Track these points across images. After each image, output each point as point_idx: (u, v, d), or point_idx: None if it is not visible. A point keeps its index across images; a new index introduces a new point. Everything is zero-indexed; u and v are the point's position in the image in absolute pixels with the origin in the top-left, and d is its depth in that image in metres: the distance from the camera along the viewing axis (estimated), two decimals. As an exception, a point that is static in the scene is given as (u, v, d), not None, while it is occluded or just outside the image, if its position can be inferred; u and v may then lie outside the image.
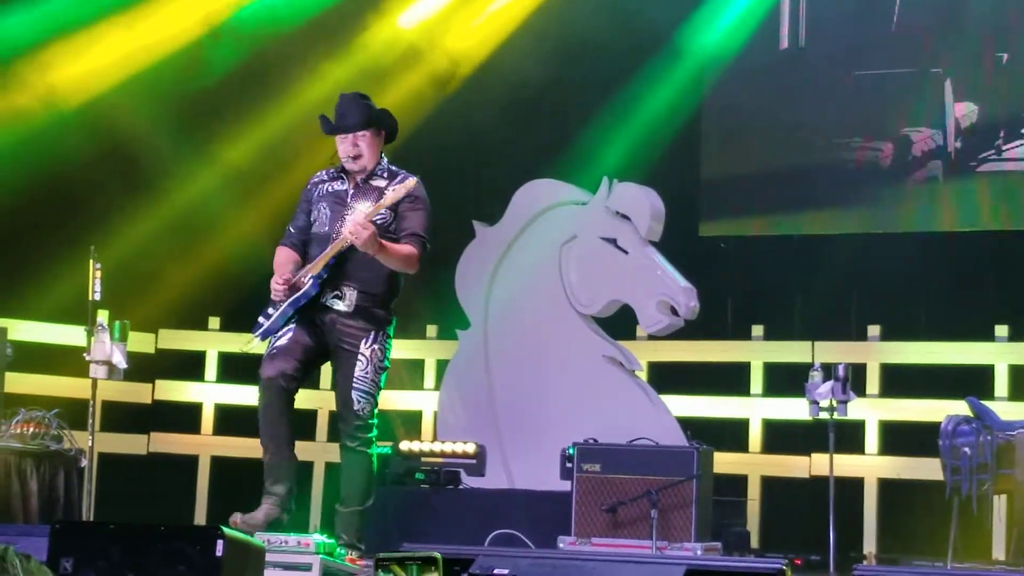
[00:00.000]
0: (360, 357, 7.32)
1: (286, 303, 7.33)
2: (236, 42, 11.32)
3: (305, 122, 7.87)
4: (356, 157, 7.40)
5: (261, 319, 7.44)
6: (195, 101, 11.27)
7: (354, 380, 7.30)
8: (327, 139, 7.58)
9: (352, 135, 7.41)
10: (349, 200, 7.43)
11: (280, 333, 7.40)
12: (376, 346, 7.35)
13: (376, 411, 7.37)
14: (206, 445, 11.26)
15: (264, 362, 7.41)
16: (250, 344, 7.52)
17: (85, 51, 10.79)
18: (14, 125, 10.09)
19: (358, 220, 7.15)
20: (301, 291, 7.30)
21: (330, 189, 7.50)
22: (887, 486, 10.02)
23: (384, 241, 7.26)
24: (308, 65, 11.37)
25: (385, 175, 7.46)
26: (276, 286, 7.34)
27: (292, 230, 7.60)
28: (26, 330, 10.39)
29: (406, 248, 7.37)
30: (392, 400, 11.13)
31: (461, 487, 9.77)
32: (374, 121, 7.46)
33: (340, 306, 7.32)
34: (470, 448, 9.77)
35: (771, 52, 11.42)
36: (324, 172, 7.62)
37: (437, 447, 9.80)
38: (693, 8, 11.32)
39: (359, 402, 7.31)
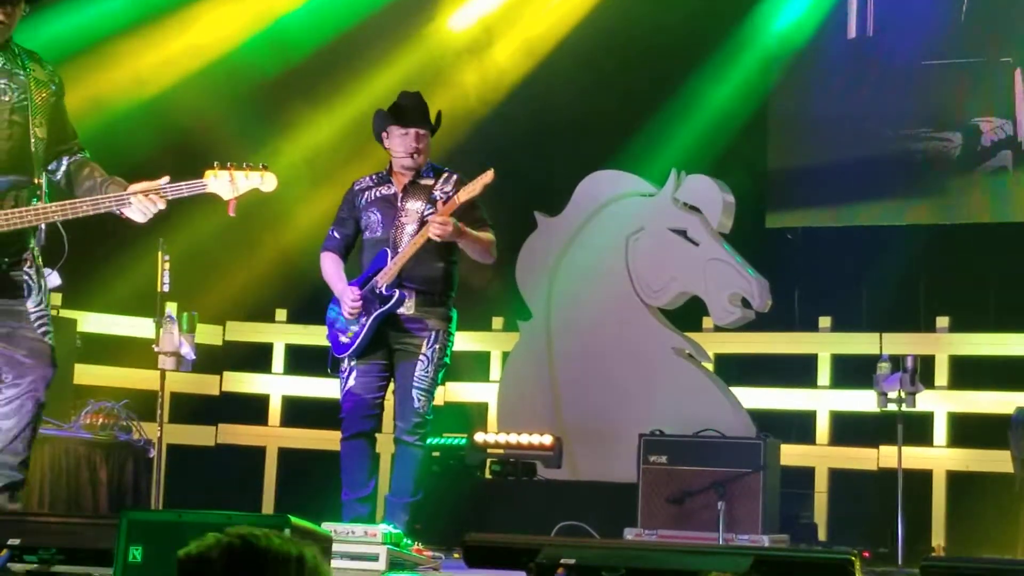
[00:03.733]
0: (422, 357, 7.38)
1: (371, 318, 7.36)
2: (303, 34, 11.39)
3: (367, 118, 7.90)
4: (417, 152, 7.44)
5: (343, 339, 7.48)
6: (263, 92, 11.33)
7: (415, 379, 7.38)
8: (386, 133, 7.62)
9: (415, 131, 7.44)
10: (400, 203, 7.46)
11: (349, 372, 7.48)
12: (437, 345, 7.42)
13: (432, 406, 7.45)
14: (273, 436, 11.31)
15: (351, 414, 7.50)
16: (342, 365, 7.58)
17: (158, 42, 10.88)
18: (83, 120, 10.13)
19: (436, 220, 7.20)
20: (388, 305, 7.33)
21: (378, 194, 7.54)
22: (956, 479, 9.93)
23: (466, 229, 7.31)
24: (368, 62, 11.42)
25: (431, 174, 7.52)
26: (352, 303, 7.38)
27: (337, 236, 7.64)
28: (95, 322, 10.46)
29: (487, 234, 7.43)
30: (458, 392, 11.15)
31: (536, 478, 9.76)
32: (436, 123, 7.54)
33: (402, 309, 7.37)
34: (547, 440, 9.75)
35: (839, 42, 11.36)
36: (368, 178, 7.67)
37: (513, 439, 9.78)
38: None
39: (419, 400, 7.39)
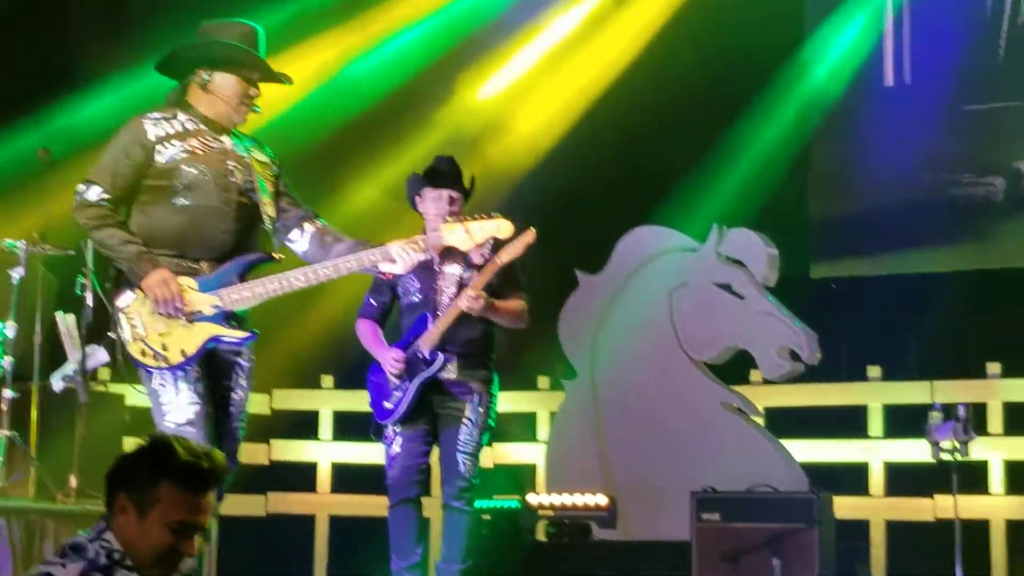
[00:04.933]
0: (465, 421, 7.38)
1: (415, 383, 7.35)
2: (339, 104, 11.47)
3: (402, 185, 7.96)
4: (450, 216, 7.44)
5: (387, 405, 7.47)
6: (304, 159, 11.38)
7: (459, 443, 7.37)
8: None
9: (448, 193, 7.46)
10: (437, 267, 7.46)
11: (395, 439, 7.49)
12: (481, 408, 7.41)
13: (478, 469, 7.43)
14: (323, 504, 11.28)
15: (397, 481, 7.49)
16: (386, 431, 7.57)
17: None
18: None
19: (468, 293, 7.20)
20: (431, 369, 7.32)
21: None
22: (1015, 527, 9.83)
23: (496, 303, 7.31)
24: (402, 130, 11.49)
25: None
26: (395, 363, 7.38)
27: (373, 303, 7.66)
28: (143, 396, 10.44)
29: (517, 304, 7.42)
30: (506, 453, 11.11)
31: (591, 539, 9.70)
32: (469, 187, 7.57)
33: (444, 373, 7.36)
34: (602, 500, 9.68)
35: (877, 89, 11.34)
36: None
37: (567, 500, 9.71)
38: (795, 48, 11.28)
39: (464, 464, 7.37)
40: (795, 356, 9.72)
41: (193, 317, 5.96)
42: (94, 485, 8.45)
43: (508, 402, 11.16)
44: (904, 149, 11.21)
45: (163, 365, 5.95)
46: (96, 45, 11.08)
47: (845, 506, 9.57)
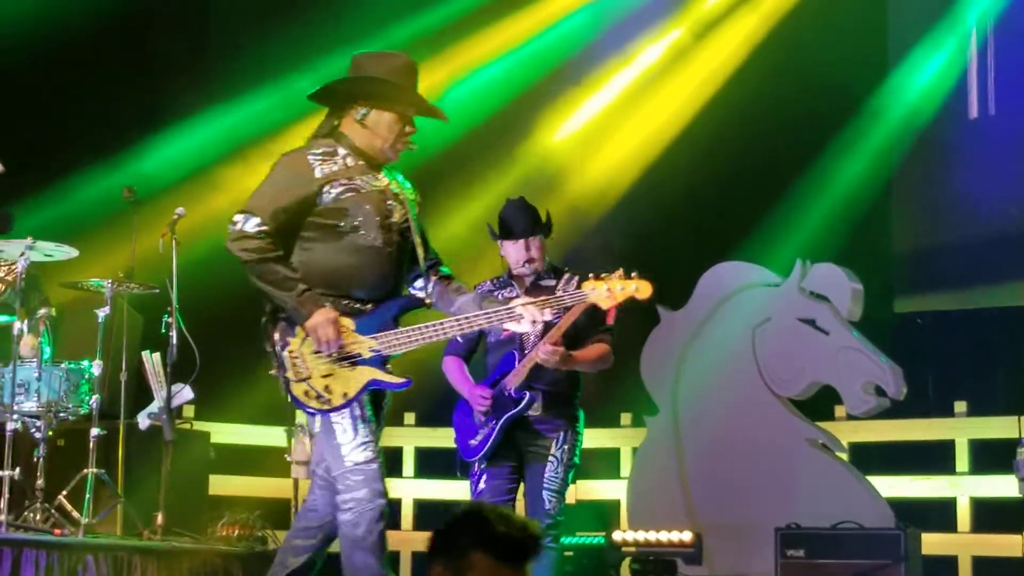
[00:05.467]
0: (551, 458, 7.35)
1: (501, 421, 7.35)
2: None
3: (482, 223, 7.98)
4: (530, 261, 7.45)
5: (472, 442, 7.47)
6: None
7: (545, 481, 7.34)
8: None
9: (525, 240, 7.46)
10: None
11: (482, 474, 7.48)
12: (566, 446, 7.39)
13: (563, 506, 7.40)
14: (407, 541, 11.28)
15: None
16: (472, 469, 7.57)
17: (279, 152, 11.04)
18: (214, 231, 10.29)
19: (545, 349, 7.19)
20: (519, 408, 7.33)
21: (500, 297, 7.52)
22: (1103, 562, 9.70)
23: (574, 353, 7.30)
24: (482, 170, 11.53)
25: (551, 275, 7.51)
26: (483, 400, 7.39)
27: (460, 339, 7.64)
28: (228, 432, 10.55)
29: (598, 349, 7.41)
30: (589, 489, 11.09)
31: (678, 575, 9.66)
32: (545, 226, 7.54)
33: (530, 411, 7.35)
34: (687, 537, 9.64)
35: (961, 121, 11.26)
36: (488, 282, 7.66)
37: (652, 536, 9.67)
38: (879, 82, 11.22)
39: (549, 502, 7.34)
40: (880, 391, 9.66)
41: (354, 360, 5.88)
42: (180, 522, 8.53)
43: (591, 439, 11.13)
44: (989, 182, 11.11)
45: (325, 408, 5.85)
46: (179, 83, 11.19)
47: (932, 542, 9.49)
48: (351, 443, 5.84)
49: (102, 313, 8.30)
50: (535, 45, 12.10)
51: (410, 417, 11.44)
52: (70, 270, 8.75)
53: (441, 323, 6.03)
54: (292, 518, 8.89)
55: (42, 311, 8.34)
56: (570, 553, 9.52)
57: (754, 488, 9.93)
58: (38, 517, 7.90)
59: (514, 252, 7.50)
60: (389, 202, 6.03)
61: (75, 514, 8.06)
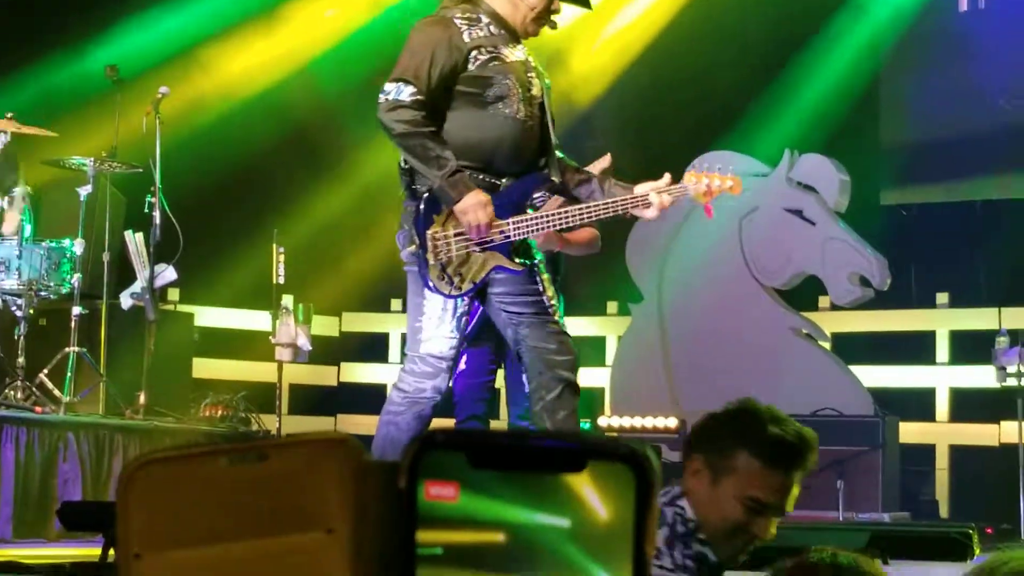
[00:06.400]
0: None
1: (479, 304, 7.35)
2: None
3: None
4: None
5: None
6: (375, 80, 11.38)
7: None
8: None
9: None
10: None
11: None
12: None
13: None
14: (391, 426, 11.37)
15: (463, 398, 7.49)
16: None
17: (266, 37, 10.99)
18: (197, 113, 10.29)
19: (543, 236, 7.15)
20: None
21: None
22: (1080, 453, 9.78)
23: (565, 234, 7.28)
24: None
25: None
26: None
27: None
28: (212, 316, 10.58)
29: (588, 233, 7.39)
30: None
31: (662, 461, 9.74)
32: None
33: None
34: (672, 423, 9.71)
35: (951, 14, 11.19)
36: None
37: (638, 422, 9.74)
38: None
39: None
40: (865, 282, 9.70)
41: (486, 245, 5.65)
42: (162, 402, 8.59)
43: (577, 327, 11.18)
44: (977, 75, 11.06)
45: (455, 293, 5.60)
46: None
47: (911, 431, 9.57)
48: (434, 331, 5.66)
49: (84, 192, 8.27)
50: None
51: (397, 303, 11.48)
52: (52, 148, 8.72)
53: (567, 210, 5.90)
54: (276, 400, 8.98)
55: (17, 190, 8.28)
56: (553, 439, 9.58)
57: (738, 376, 9.98)
58: (19, 395, 7.93)
59: None
60: (530, 74, 5.78)
61: (56, 392, 8.09)
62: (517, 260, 5.73)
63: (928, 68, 11.28)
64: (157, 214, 8.41)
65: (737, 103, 11.05)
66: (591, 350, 11.18)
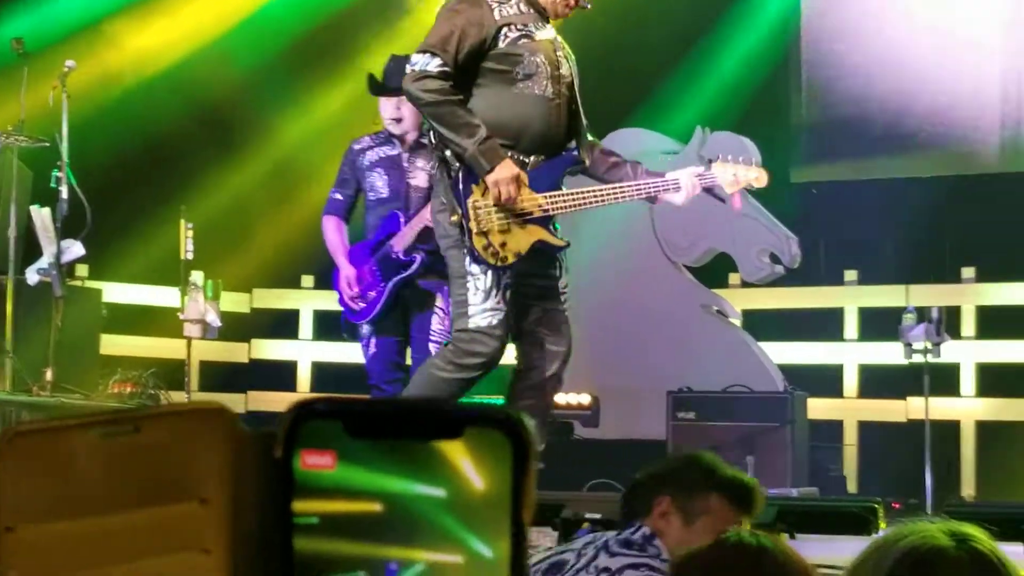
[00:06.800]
0: (437, 310, 7.33)
1: (390, 286, 7.31)
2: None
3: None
4: (397, 120, 7.34)
5: (360, 304, 7.43)
6: (286, 56, 11.33)
7: (431, 333, 7.32)
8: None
9: (397, 98, 7.34)
10: (406, 163, 7.39)
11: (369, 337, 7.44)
12: (452, 299, 7.37)
13: None
14: (304, 403, 11.32)
15: (378, 380, 7.46)
16: (361, 331, 7.55)
17: (175, 11, 10.90)
18: (105, 88, 10.20)
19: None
20: (409, 272, 7.27)
21: (382, 154, 7.44)
22: (985, 428, 9.91)
23: None
24: (375, 32, 11.41)
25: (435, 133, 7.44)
26: (348, 287, 7.34)
27: (339, 197, 7.54)
28: (120, 292, 10.49)
29: None
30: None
31: (574, 437, 9.75)
32: None
33: (412, 270, 7.31)
34: (584, 399, 9.73)
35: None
36: (366, 138, 7.56)
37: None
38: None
39: (434, 352, 7.33)
40: (775, 259, 9.76)
41: (526, 218, 5.63)
42: (70, 379, 8.50)
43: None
44: (887, 54, 11.15)
45: (500, 264, 5.54)
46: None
47: (820, 407, 9.66)
48: (482, 304, 5.60)
49: (-11, 166, 8.19)
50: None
51: (308, 280, 11.44)
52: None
53: (602, 189, 5.87)
54: (185, 377, 8.91)
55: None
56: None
57: (649, 353, 10.03)
58: (-77, 370, 7.85)
59: (385, 108, 7.40)
60: (559, 52, 5.74)
61: (-39, 369, 8.01)
62: (557, 237, 5.74)
63: (838, 47, 11.35)
64: (64, 189, 8.30)
65: (650, 81, 11.08)
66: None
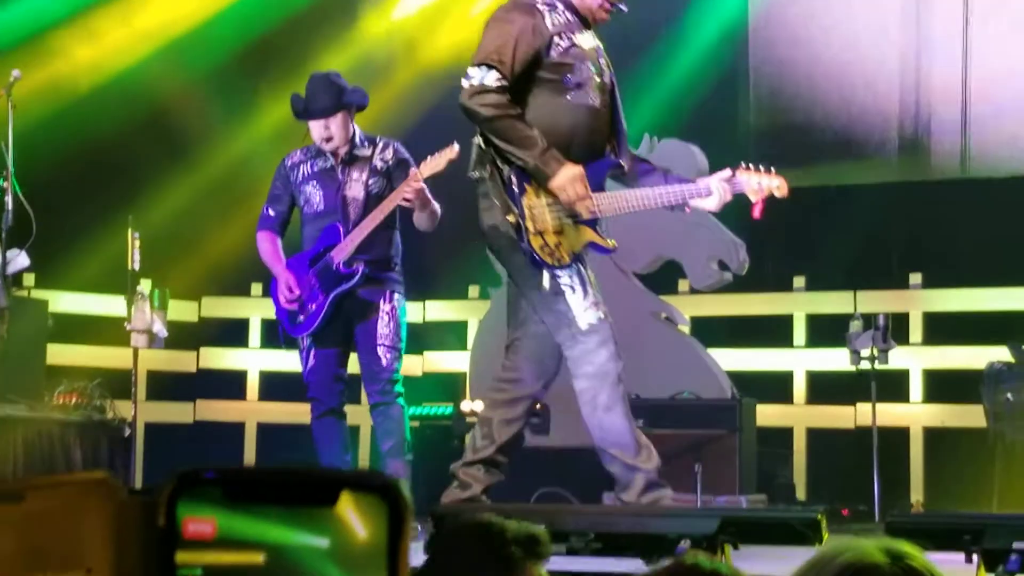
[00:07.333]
0: (381, 314, 7.33)
1: (330, 298, 7.29)
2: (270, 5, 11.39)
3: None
4: (327, 139, 7.35)
5: (300, 318, 7.41)
6: (233, 65, 11.29)
7: (377, 337, 7.31)
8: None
9: (324, 119, 7.34)
10: (341, 175, 7.39)
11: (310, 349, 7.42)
12: (394, 301, 7.36)
13: (400, 365, 7.39)
14: (252, 411, 11.30)
15: (318, 392, 7.44)
16: (300, 343, 7.53)
17: (121, 20, 10.85)
18: (52, 95, 10.15)
19: (412, 184, 7.11)
20: (350, 284, 7.26)
21: (315, 168, 7.45)
22: (932, 434, 9.96)
23: (423, 200, 7.27)
24: (315, 46, 11.40)
25: (366, 143, 7.44)
26: (288, 292, 7.32)
27: (272, 213, 7.56)
28: (67, 301, 10.44)
29: (436, 203, 7.42)
30: (437, 361, 11.15)
31: (524, 445, 9.71)
32: (343, 104, 7.37)
33: (354, 281, 7.30)
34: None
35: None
36: (298, 152, 7.57)
37: (500, 406, 9.70)
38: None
39: (385, 357, 7.32)
40: (723, 266, 9.77)
41: (578, 219, 5.69)
42: (16, 390, 8.44)
43: (439, 311, 11.20)
44: (834, 61, 11.20)
45: (558, 264, 5.64)
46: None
47: (768, 414, 9.68)
48: (582, 303, 5.68)
49: (-71, 175, 8.12)
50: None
51: (257, 288, 11.39)
52: None
53: (644, 192, 5.86)
54: (132, 387, 8.86)
55: None
56: (416, 423, 9.55)
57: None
58: None
59: (314, 130, 7.41)
60: (601, 60, 5.83)
61: (-95, 381, 7.95)
62: (606, 239, 5.75)
63: (786, 53, 11.38)
64: (9, 199, 8.23)
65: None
66: (452, 335, 11.19)
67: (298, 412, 10.28)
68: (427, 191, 7.23)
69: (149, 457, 9.94)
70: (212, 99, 11.21)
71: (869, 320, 8.91)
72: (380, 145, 7.45)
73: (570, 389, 9.92)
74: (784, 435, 10.21)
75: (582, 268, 5.71)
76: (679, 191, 5.91)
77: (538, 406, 9.66)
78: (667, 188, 5.90)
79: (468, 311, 11.19)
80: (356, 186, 7.37)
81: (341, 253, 7.27)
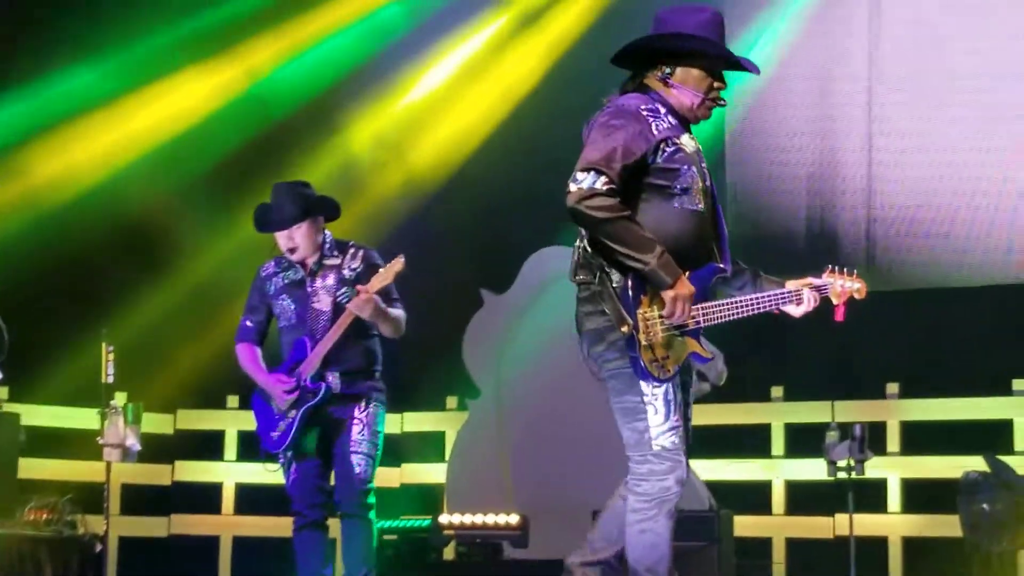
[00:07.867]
0: (356, 421, 7.29)
1: (300, 413, 7.26)
2: (246, 118, 11.44)
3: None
4: (292, 250, 7.35)
5: (274, 434, 7.38)
6: (208, 177, 11.32)
7: (352, 444, 7.27)
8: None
9: (288, 233, 7.35)
10: (309, 286, 7.39)
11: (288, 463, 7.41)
12: (370, 408, 7.33)
13: (374, 474, 7.33)
14: (227, 525, 11.19)
15: (299, 504, 7.41)
16: (274, 466, 7.51)
17: (95, 133, 10.88)
18: (26, 208, 10.17)
19: (360, 298, 7.11)
20: (316, 400, 7.24)
21: (285, 280, 7.45)
22: (911, 544, 9.90)
23: (383, 307, 7.25)
24: (304, 148, 11.46)
25: (335, 251, 7.43)
26: (284, 394, 7.29)
27: (250, 324, 7.54)
28: (39, 414, 10.38)
29: (400, 311, 7.39)
30: (414, 473, 11.08)
31: (504, 558, 9.64)
32: (308, 211, 7.37)
33: (318, 398, 7.28)
34: (513, 519, 9.61)
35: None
36: (271, 263, 7.57)
37: (479, 519, 9.62)
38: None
39: (359, 465, 7.27)
40: (702, 376, 9.73)
41: (684, 329, 5.57)
42: (-13, 503, 8.37)
43: (416, 422, 11.14)
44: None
45: (664, 377, 5.48)
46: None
47: (747, 524, 9.62)
48: (662, 425, 5.57)
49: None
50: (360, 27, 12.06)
51: (233, 400, 11.33)
52: None
53: (741, 300, 5.74)
54: (104, 501, 8.77)
55: None
56: (393, 536, 9.46)
57: (576, 471, 9.97)
58: None
59: (280, 240, 7.41)
60: (703, 164, 5.69)
61: None
62: (705, 348, 5.66)
63: (763, 163, 11.44)
64: (-17, 313, 8.22)
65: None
66: (430, 446, 11.13)
67: (274, 525, 10.23)
68: (380, 303, 7.20)
69: (123, 572, 9.83)
70: (185, 213, 11.22)
71: (846, 430, 8.87)
72: (351, 253, 7.44)
73: (548, 503, 9.92)
74: (764, 545, 10.14)
75: (673, 387, 5.61)
76: (775, 298, 5.84)
77: (517, 519, 9.62)
78: (764, 295, 5.81)
79: (446, 422, 11.14)
80: (324, 297, 7.36)
81: (308, 368, 7.25)
